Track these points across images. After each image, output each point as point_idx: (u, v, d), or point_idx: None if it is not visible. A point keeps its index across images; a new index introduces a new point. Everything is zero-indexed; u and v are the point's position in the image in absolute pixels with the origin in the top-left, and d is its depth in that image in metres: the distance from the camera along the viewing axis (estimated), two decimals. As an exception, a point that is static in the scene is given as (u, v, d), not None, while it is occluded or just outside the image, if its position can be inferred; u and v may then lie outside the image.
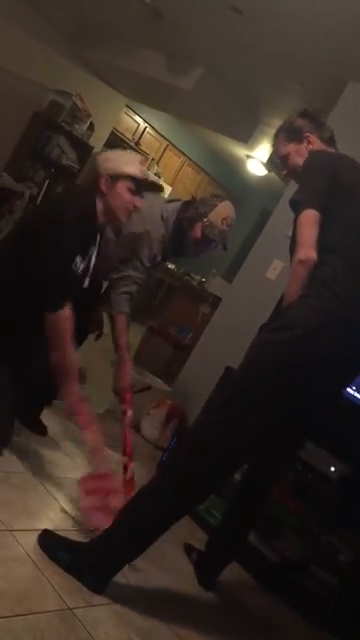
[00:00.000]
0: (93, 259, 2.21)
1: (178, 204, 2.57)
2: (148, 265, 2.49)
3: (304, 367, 1.69)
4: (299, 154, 2.02)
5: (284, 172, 2.14)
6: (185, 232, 2.51)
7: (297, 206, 1.85)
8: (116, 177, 2.14)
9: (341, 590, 2.38)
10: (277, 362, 1.70)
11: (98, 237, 2.22)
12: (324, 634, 2.28)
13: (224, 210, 2.51)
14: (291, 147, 2.04)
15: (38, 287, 2.00)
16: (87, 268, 2.19)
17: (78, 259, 2.10)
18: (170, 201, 2.63)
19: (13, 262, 2.06)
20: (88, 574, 1.70)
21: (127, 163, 2.16)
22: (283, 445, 2.00)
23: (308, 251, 1.74)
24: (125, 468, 2.29)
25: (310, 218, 1.78)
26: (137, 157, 2.24)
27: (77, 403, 2.06)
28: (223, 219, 2.50)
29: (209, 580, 2.09)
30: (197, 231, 2.50)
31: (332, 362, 1.72)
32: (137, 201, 2.16)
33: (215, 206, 2.51)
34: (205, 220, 2.48)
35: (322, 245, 1.77)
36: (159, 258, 2.53)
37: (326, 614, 2.32)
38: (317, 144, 2.04)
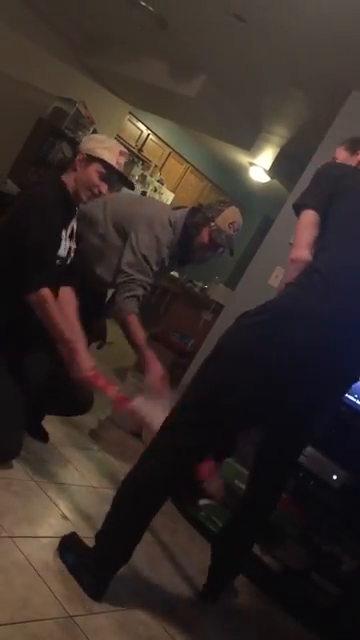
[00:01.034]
0: (74, 236, 2.27)
1: (185, 211, 2.58)
2: (157, 269, 2.48)
3: (269, 350, 1.66)
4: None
5: None
6: (192, 237, 2.51)
7: (298, 209, 1.89)
8: (91, 158, 2.18)
9: (343, 599, 2.37)
10: (243, 343, 1.72)
11: (76, 210, 2.27)
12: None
13: (231, 215, 2.53)
14: (342, 154, 2.08)
15: (22, 269, 2.05)
16: (69, 248, 2.25)
17: (63, 233, 2.17)
18: (177, 208, 2.64)
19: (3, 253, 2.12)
20: (86, 577, 1.71)
21: (105, 149, 2.20)
22: (285, 455, 1.96)
23: (300, 251, 1.78)
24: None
25: (307, 219, 1.82)
26: (118, 147, 2.25)
27: (89, 376, 2.14)
28: (230, 224, 2.52)
29: (211, 594, 2.04)
30: (204, 236, 2.51)
31: (300, 349, 1.67)
32: (103, 187, 2.19)
33: (222, 211, 2.52)
34: (212, 225, 2.50)
35: (318, 245, 1.80)
36: (167, 263, 2.53)
37: (327, 623, 2.31)
38: None
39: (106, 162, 2.17)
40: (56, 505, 2.12)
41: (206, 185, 8.40)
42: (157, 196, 7.43)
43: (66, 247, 2.22)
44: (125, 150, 2.30)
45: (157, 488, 1.76)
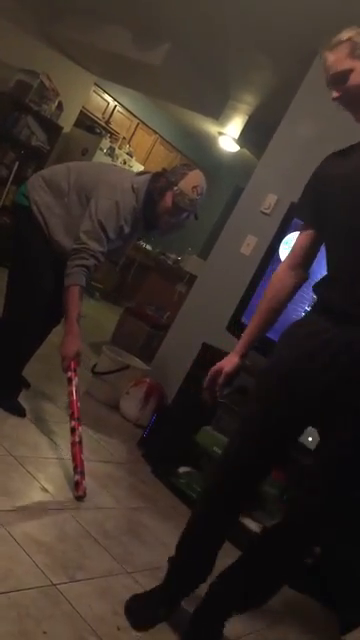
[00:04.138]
0: None
1: (148, 176, 2.55)
2: (113, 237, 2.45)
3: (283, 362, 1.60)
4: None
5: (337, 94, 1.69)
6: (156, 203, 2.48)
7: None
8: None
9: (322, 555, 2.44)
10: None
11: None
12: (305, 597, 2.34)
13: (194, 178, 2.50)
14: (358, 64, 1.60)
15: None
16: None
17: None
18: (140, 174, 2.61)
19: None
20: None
21: None
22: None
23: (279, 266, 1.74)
24: (73, 431, 2.31)
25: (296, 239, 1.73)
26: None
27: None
28: (194, 187, 2.49)
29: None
30: (168, 200, 2.48)
31: (303, 360, 1.55)
32: None
33: (185, 174, 2.50)
34: (176, 189, 2.47)
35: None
36: (127, 230, 2.49)
37: (306, 579, 2.37)
38: None
39: None
40: (35, 478, 2.13)
41: (176, 156, 8.33)
42: (127, 168, 7.35)
43: None
44: None
45: (214, 502, 1.66)
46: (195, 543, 1.71)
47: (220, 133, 6.33)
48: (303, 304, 2.84)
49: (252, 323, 1.72)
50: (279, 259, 2.96)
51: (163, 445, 2.90)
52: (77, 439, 2.28)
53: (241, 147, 6.31)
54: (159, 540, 2.20)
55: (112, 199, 2.41)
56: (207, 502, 1.70)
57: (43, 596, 1.55)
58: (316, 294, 1.65)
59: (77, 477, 2.20)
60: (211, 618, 1.69)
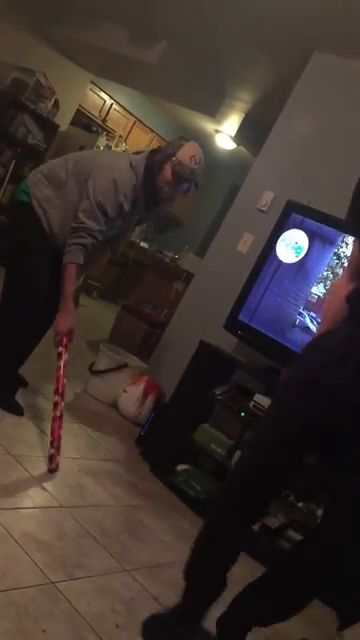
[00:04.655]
0: None
1: (145, 153, 2.57)
2: (112, 215, 2.45)
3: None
4: None
5: None
6: (155, 176, 2.50)
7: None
8: None
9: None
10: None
11: None
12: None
13: (191, 148, 2.53)
14: None
15: None
16: None
17: None
18: (136, 153, 2.63)
19: None
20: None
21: None
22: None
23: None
24: (55, 405, 2.38)
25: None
26: None
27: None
28: (191, 157, 2.52)
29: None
30: (167, 172, 2.50)
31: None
32: None
33: (182, 145, 2.53)
34: (174, 159, 2.50)
35: None
36: (127, 207, 2.49)
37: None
38: None
39: None
40: (34, 477, 2.14)
41: (173, 154, 8.31)
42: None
43: None
44: None
45: (227, 513, 1.64)
46: (209, 559, 1.68)
47: (217, 131, 6.31)
48: (297, 302, 2.85)
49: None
50: (276, 256, 2.96)
51: (161, 443, 2.90)
52: (58, 414, 2.36)
53: (238, 145, 6.30)
54: (157, 538, 2.21)
55: (109, 178, 2.42)
56: (221, 517, 1.67)
57: (42, 594, 1.55)
58: (349, 304, 1.61)
59: (52, 451, 2.28)
60: (234, 632, 1.66)
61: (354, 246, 1.66)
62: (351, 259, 1.68)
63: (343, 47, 3.34)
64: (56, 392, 2.40)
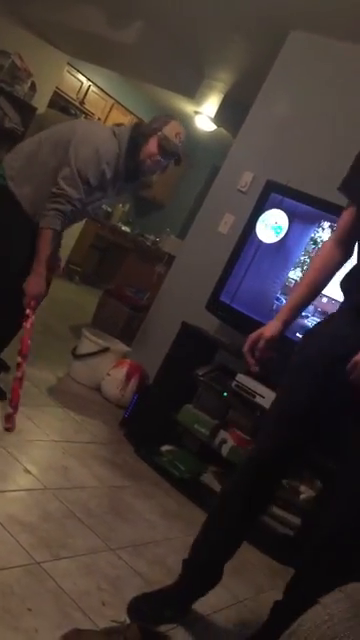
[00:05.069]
0: None
1: (129, 125, 2.60)
2: (95, 183, 2.44)
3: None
4: None
5: None
6: (140, 147, 2.51)
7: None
8: None
9: (303, 527, 2.49)
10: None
11: None
12: (289, 569, 2.38)
13: (176, 126, 2.58)
14: None
15: None
16: None
17: None
18: (117, 125, 2.63)
19: None
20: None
21: None
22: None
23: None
24: (18, 366, 2.43)
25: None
26: None
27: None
28: (177, 134, 2.57)
29: None
30: (152, 145, 2.53)
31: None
32: None
33: (168, 122, 2.56)
34: (160, 134, 2.53)
35: None
36: (109, 175, 2.48)
37: (289, 551, 2.42)
38: None
39: None
40: (18, 461, 2.14)
41: (152, 137, 8.25)
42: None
43: None
44: None
45: (239, 492, 1.66)
46: (213, 546, 1.70)
47: (196, 112, 6.27)
48: (275, 285, 2.87)
49: (297, 290, 1.71)
50: (256, 236, 2.97)
51: (145, 424, 2.92)
52: (19, 375, 2.42)
53: (218, 126, 6.27)
54: (142, 517, 2.23)
55: (91, 145, 2.40)
56: (225, 505, 1.69)
57: (27, 574, 1.57)
58: (343, 291, 1.63)
59: (10, 410, 2.36)
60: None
61: (345, 213, 1.66)
62: (340, 222, 1.67)
63: (318, 26, 3.33)
64: (19, 353, 2.44)
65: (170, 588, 1.72)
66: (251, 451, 1.72)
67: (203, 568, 1.72)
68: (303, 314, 2.77)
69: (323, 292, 1.80)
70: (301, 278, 1.71)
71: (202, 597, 1.73)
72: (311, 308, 2.58)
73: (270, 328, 1.64)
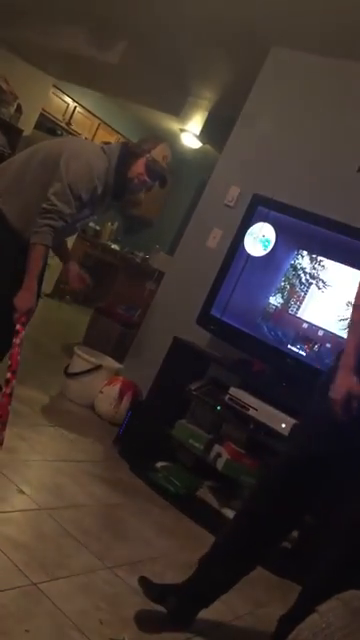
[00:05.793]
0: None
1: (118, 143, 2.66)
2: (86, 198, 2.45)
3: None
4: None
5: None
6: (129, 166, 2.55)
7: None
8: None
9: (300, 540, 2.47)
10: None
11: None
12: (287, 582, 2.37)
13: (164, 149, 2.64)
14: None
15: None
16: None
17: None
18: (106, 143, 2.69)
19: None
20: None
21: None
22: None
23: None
24: (7, 382, 2.39)
25: None
26: None
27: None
28: (164, 157, 2.63)
29: None
30: (140, 165, 2.57)
31: None
32: None
33: (157, 144, 2.62)
34: (148, 156, 2.57)
35: None
36: (100, 190, 2.51)
37: (286, 563, 2.41)
38: None
39: None
40: (12, 481, 2.13)
41: (139, 155, 8.31)
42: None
43: None
44: None
45: (266, 496, 1.73)
46: (224, 566, 1.75)
47: (182, 130, 6.34)
48: (269, 290, 2.89)
49: (352, 342, 1.71)
50: (244, 250, 2.99)
51: (139, 441, 2.91)
52: (8, 391, 2.38)
53: (203, 143, 6.33)
54: (139, 534, 2.22)
55: (82, 160, 2.42)
56: (245, 529, 1.74)
57: (24, 595, 1.55)
58: None
59: None
60: None
61: None
62: None
63: (299, 42, 3.39)
64: (9, 369, 2.41)
65: (180, 583, 1.75)
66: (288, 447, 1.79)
67: (216, 585, 1.75)
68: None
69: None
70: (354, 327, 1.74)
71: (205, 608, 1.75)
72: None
73: (354, 384, 1.65)
